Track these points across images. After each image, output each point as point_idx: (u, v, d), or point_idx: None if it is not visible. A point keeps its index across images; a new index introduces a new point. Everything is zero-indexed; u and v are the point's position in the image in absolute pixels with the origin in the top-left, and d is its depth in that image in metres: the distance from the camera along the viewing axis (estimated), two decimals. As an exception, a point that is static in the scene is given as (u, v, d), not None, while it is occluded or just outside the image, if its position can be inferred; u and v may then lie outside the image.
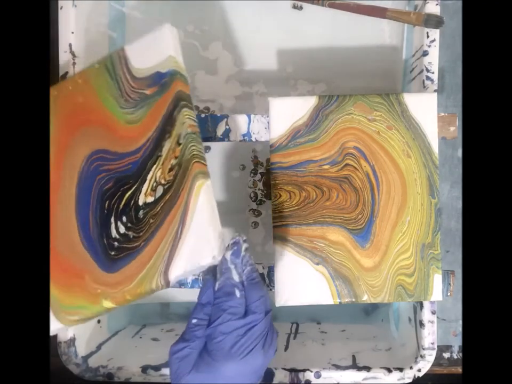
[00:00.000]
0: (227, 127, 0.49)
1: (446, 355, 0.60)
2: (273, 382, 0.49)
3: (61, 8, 0.50)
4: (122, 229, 0.39)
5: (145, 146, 0.39)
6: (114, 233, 0.40)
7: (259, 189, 0.62)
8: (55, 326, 0.40)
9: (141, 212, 0.39)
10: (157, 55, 0.40)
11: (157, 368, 0.49)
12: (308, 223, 0.46)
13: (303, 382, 0.49)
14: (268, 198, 0.62)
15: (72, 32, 0.51)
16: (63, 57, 0.50)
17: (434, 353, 0.49)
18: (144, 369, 0.49)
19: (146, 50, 0.41)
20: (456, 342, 0.60)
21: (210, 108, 0.64)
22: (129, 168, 0.40)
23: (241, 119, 0.49)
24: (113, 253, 0.39)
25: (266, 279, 0.48)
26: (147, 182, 0.39)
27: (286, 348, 0.56)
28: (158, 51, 0.40)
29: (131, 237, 0.39)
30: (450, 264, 0.60)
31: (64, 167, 0.42)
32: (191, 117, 0.38)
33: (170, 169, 0.38)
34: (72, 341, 0.49)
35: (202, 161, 0.37)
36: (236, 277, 0.37)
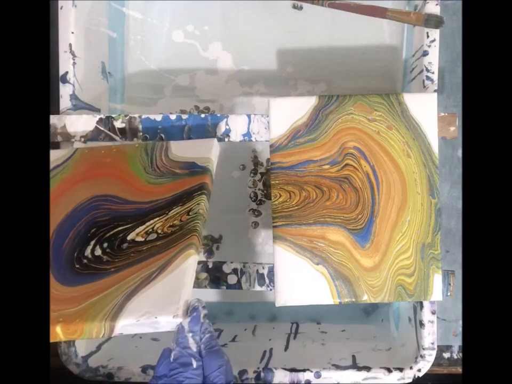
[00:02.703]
0: (227, 127, 0.49)
1: (446, 355, 0.60)
2: (273, 382, 0.49)
3: (61, 8, 0.50)
4: (98, 252, 0.40)
5: (157, 202, 0.42)
6: (87, 252, 0.40)
7: (259, 189, 0.62)
8: None
9: (125, 245, 0.40)
10: (199, 152, 0.46)
11: (157, 368, 0.49)
12: (308, 223, 0.46)
13: (303, 382, 0.49)
14: (268, 198, 0.62)
15: (72, 32, 0.51)
16: (63, 57, 0.50)
17: (434, 353, 0.49)
18: (144, 369, 0.49)
19: (190, 146, 0.46)
20: (456, 342, 0.60)
21: (210, 108, 0.64)
22: (132, 211, 0.42)
23: (241, 119, 0.49)
24: (78, 266, 0.39)
25: (266, 279, 0.48)
26: (144, 226, 0.41)
27: (286, 348, 0.56)
28: (201, 150, 0.46)
29: (104, 260, 0.39)
30: (450, 264, 0.60)
31: (62, 197, 0.44)
32: (205, 204, 0.42)
33: (171, 226, 0.40)
34: (72, 341, 0.49)
35: (199, 238, 0.39)
36: (193, 346, 0.34)
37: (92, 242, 0.40)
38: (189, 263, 0.37)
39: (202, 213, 0.41)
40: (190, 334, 0.34)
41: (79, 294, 0.36)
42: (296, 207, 0.46)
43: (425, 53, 0.50)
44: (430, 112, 0.47)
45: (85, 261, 0.39)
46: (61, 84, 0.51)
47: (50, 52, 0.49)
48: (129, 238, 0.40)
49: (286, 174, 0.47)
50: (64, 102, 0.51)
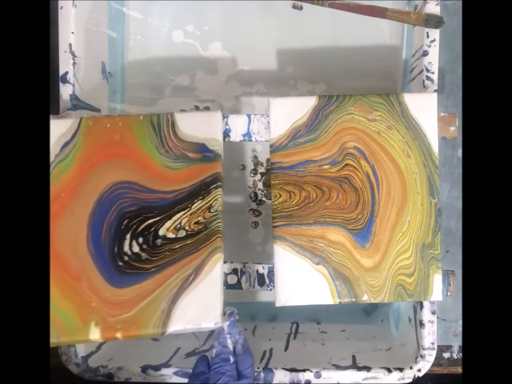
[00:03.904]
0: (227, 127, 0.49)
1: (446, 355, 0.60)
2: (273, 382, 0.49)
3: (61, 8, 0.50)
4: (136, 248, 0.43)
5: (178, 192, 0.44)
6: (126, 248, 0.43)
7: (259, 189, 0.62)
8: None
9: (159, 241, 0.43)
10: (206, 131, 0.46)
11: (157, 368, 0.49)
12: (308, 223, 0.46)
13: (303, 382, 0.49)
14: (268, 198, 0.62)
15: (72, 32, 0.51)
16: (63, 57, 0.50)
17: (434, 353, 0.49)
18: (144, 369, 0.49)
19: (195, 123, 0.46)
20: (456, 342, 0.60)
21: (210, 108, 0.64)
22: (158, 201, 0.44)
23: (241, 119, 0.49)
24: (121, 263, 0.42)
25: (266, 279, 0.48)
26: (171, 220, 0.43)
27: (286, 348, 0.56)
28: (208, 129, 0.46)
29: (143, 258, 0.42)
30: (450, 264, 0.60)
31: (84, 183, 0.44)
32: (221, 197, 0.45)
33: (196, 223, 0.44)
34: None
35: (222, 237, 0.44)
36: (230, 346, 0.41)
37: (128, 236, 0.43)
38: (218, 268, 0.43)
39: (221, 209, 0.44)
40: (228, 336, 0.41)
41: (128, 297, 0.41)
42: (296, 207, 0.46)
43: (425, 53, 0.50)
44: (430, 112, 0.47)
45: (126, 258, 0.42)
46: (61, 84, 0.51)
47: (50, 52, 0.49)
48: (160, 233, 0.43)
49: (286, 174, 0.47)
50: (64, 102, 0.51)
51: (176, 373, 0.49)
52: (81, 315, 0.41)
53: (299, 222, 0.46)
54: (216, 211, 0.44)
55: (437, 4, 0.49)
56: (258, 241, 0.63)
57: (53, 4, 0.50)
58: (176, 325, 0.40)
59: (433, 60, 0.50)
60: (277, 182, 0.47)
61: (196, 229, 0.43)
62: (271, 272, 0.48)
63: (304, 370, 0.49)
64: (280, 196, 0.46)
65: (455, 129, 0.48)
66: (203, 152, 0.46)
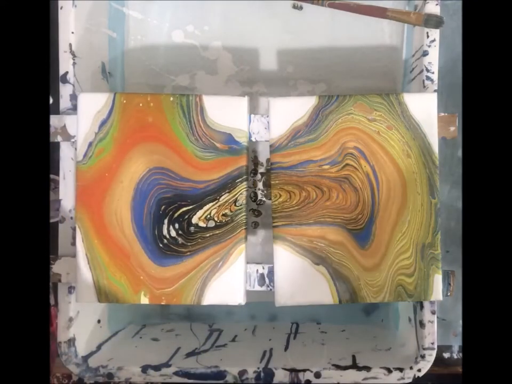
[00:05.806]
0: (227, 127, 0.49)
1: (446, 355, 0.60)
2: (273, 382, 0.49)
3: (61, 8, 0.50)
4: (173, 233, 0.47)
5: (208, 184, 0.47)
6: (165, 232, 0.47)
7: (259, 189, 0.62)
8: (88, 298, 0.46)
9: (192, 228, 0.47)
10: (232, 120, 0.48)
11: (157, 368, 0.49)
12: (308, 223, 0.46)
13: (303, 382, 0.49)
14: (268, 198, 0.62)
15: (72, 32, 0.51)
16: (63, 57, 0.50)
17: (434, 353, 0.49)
18: (144, 369, 0.49)
19: (223, 109, 0.48)
20: (456, 342, 0.60)
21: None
22: (190, 191, 0.47)
23: (241, 119, 0.49)
24: (161, 245, 0.47)
25: (266, 279, 0.48)
26: (202, 210, 0.47)
27: (286, 348, 0.56)
28: (234, 118, 0.48)
29: (179, 242, 0.47)
30: (450, 264, 0.60)
31: (124, 165, 0.47)
32: (246, 191, 0.48)
33: (223, 215, 0.47)
34: (72, 341, 0.49)
35: (246, 230, 0.48)
36: None
37: (166, 221, 0.47)
38: (242, 258, 0.47)
39: (246, 202, 0.47)
40: None
41: (169, 275, 0.47)
42: (296, 207, 0.46)
43: (425, 53, 0.50)
44: (430, 112, 0.47)
45: (165, 241, 0.47)
46: (61, 84, 0.51)
47: (50, 52, 0.49)
48: (193, 221, 0.47)
49: (286, 174, 0.47)
50: (64, 102, 0.51)
51: (176, 373, 0.49)
52: (132, 285, 0.47)
53: (299, 222, 0.46)
54: (241, 205, 0.47)
55: (437, 4, 0.49)
56: (258, 241, 0.63)
57: (53, 4, 0.50)
58: (208, 301, 0.47)
59: (433, 60, 0.50)
60: (277, 182, 0.47)
61: (224, 220, 0.47)
62: (271, 272, 0.48)
63: (304, 370, 0.49)
64: (280, 196, 0.46)
65: (455, 129, 0.48)
66: (230, 143, 0.47)
